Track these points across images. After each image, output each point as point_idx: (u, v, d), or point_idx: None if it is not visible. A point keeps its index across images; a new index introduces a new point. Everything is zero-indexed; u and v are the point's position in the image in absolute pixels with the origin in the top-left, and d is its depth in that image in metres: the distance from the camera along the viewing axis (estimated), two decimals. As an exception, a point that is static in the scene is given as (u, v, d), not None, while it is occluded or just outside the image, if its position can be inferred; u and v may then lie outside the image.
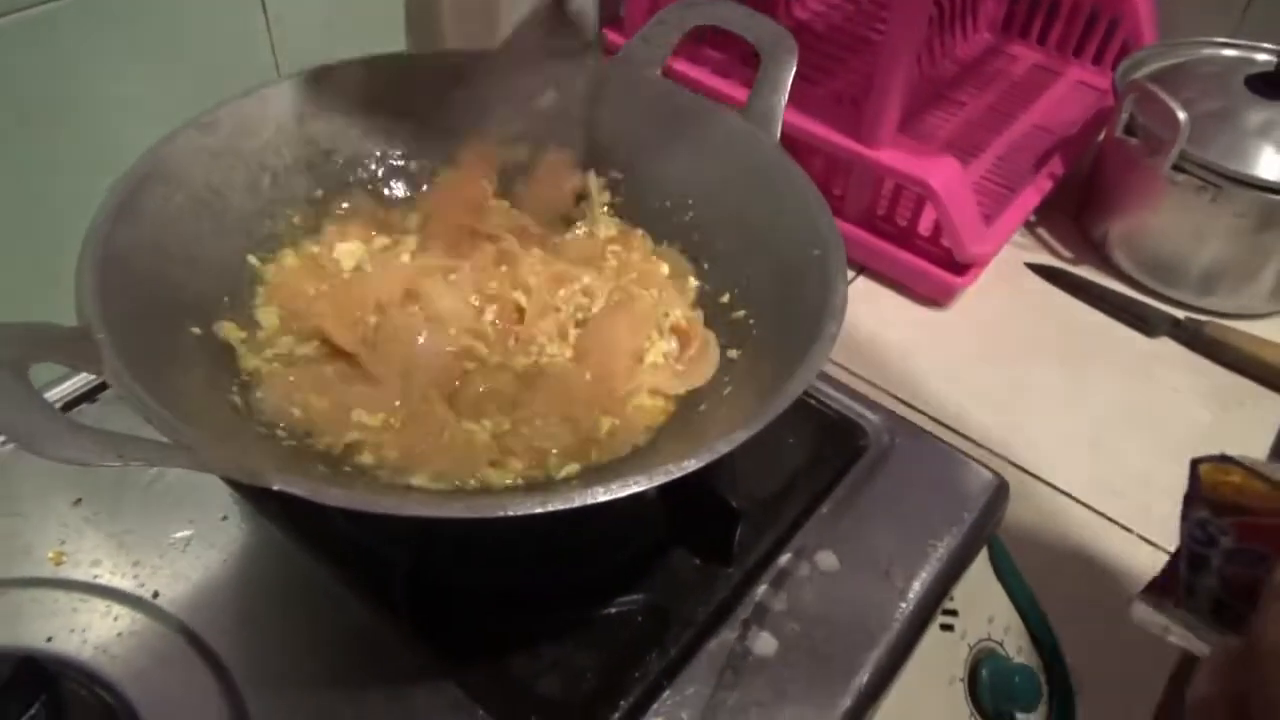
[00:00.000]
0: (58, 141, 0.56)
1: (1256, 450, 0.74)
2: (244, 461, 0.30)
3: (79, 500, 0.44)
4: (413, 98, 0.52)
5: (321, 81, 0.50)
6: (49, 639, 0.39)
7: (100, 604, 0.41)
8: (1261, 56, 0.86)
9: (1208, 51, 0.89)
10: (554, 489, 0.33)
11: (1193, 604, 0.34)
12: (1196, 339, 0.82)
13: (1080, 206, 0.94)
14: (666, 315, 0.47)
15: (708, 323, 0.47)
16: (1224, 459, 0.34)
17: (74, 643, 0.39)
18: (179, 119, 0.45)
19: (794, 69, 0.48)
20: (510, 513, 0.31)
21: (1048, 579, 0.55)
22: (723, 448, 0.33)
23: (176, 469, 0.45)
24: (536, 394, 0.43)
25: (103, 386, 0.49)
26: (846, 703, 0.40)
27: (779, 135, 0.47)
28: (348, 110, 0.51)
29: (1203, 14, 1.03)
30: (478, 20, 0.73)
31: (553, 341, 0.46)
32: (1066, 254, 0.91)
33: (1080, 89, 1.06)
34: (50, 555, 0.42)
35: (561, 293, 0.47)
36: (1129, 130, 0.83)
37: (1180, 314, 0.83)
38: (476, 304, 0.46)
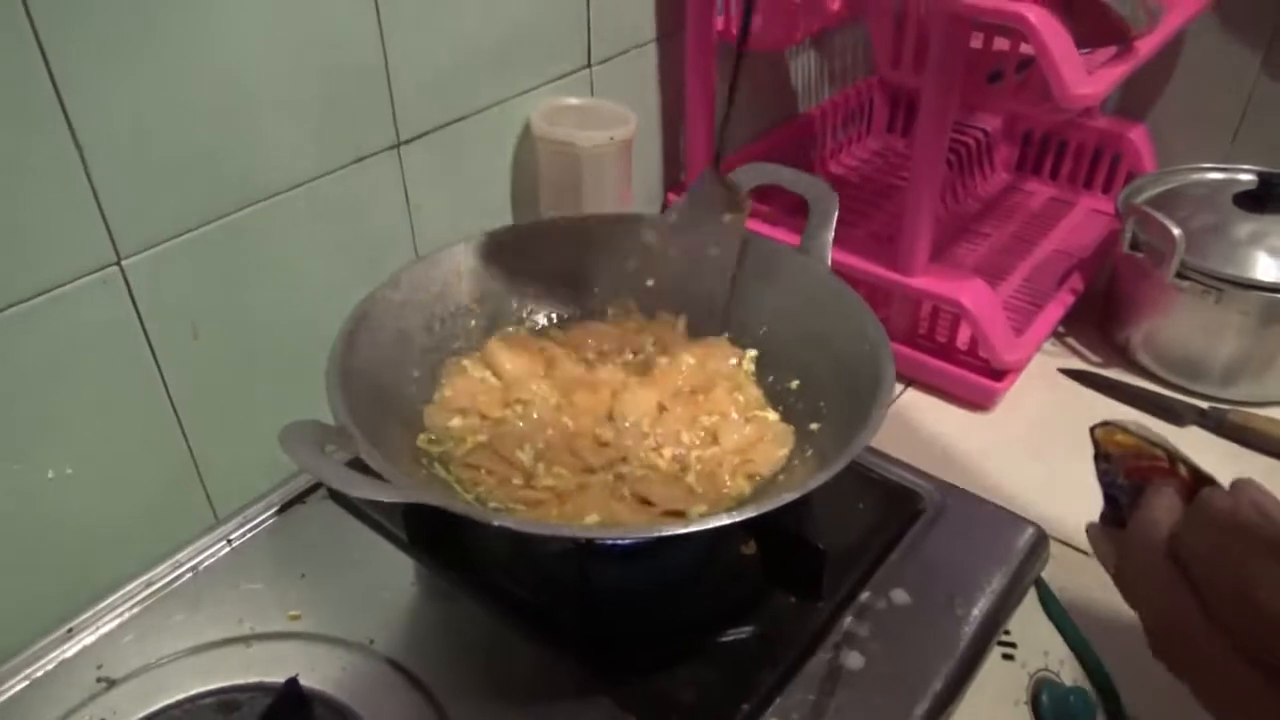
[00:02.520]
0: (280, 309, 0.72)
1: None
2: (471, 505, 0.42)
3: (304, 575, 0.57)
4: (541, 257, 0.67)
5: (476, 246, 0.65)
6: (295, 676, 0.51)
7: (330, 649, 0.52)
8: (1245, 177, 0.98)
9: (1197, 176, 1.02)
10: (690, 521, 0.45)
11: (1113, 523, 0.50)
12: (1222, 426, 0.90)
13: (1103, 316, 1.05)
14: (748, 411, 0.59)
15: (785, 409, 0.60)
16: (1108, 424, 0.50)
17: (314, 679, 0.51)
18: (360, 285, 0.61)
19: (837, 212, 0.62)
20: (662, 533, 0.42)
21: (1105, 633, 0.63)
22: (812, 484, 0.45)
23: (377, 552, 0.58)
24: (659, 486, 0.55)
25: (313, 489, 0.62)
26: (925, 705, 0.49)
27: (830, 263, 0.61)
28: (499, 266, 0.66)
29: (1197, 144, 1.17)
30: (568, 202, 0.89)
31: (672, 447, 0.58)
32: (1095, 358, 1.02)
33: (1093, 215, 1.19)
34: (289, 615, 0.54)
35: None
36: (1134, 246, 0.95)
37: (1204, 404, 0.93)
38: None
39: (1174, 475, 0.49)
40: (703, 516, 0.43)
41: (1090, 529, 0.53)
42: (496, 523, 0.42)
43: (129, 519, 0.68)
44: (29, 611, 0.55)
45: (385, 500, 0.41)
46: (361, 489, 0.40)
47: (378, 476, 0.44)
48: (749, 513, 0.44)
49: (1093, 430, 0.52)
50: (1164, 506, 0.47)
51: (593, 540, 0.46)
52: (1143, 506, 0.48)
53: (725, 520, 0.44)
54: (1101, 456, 0.52)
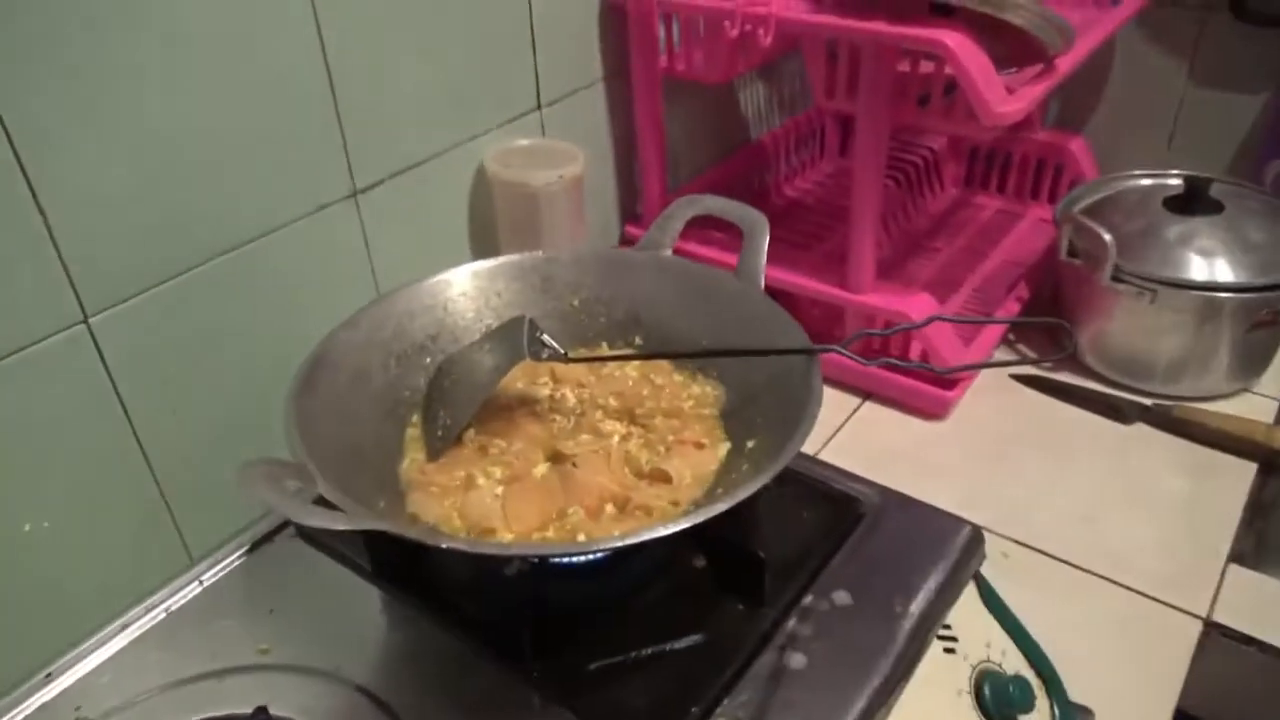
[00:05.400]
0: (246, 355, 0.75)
1: (1233, 511, 0.85)
2: (423, 529, 0.45)
3: (272, 610, 0.59)
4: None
5: (423, 288, 0.68)
6: (266, 706, 0.53)
7: (298, 678, 0.55)
8: (1173, 181, 1.02)
9: (1131, 183, 1.06)
10: (626, 534, 0.47)
11: None
12: (1167, 421, 0.93)
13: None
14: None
15: (727, 424, 0.62)
16: None
17: (283, 707, 0.53)
18: (324, 329, 0.64)
19: (767, 238, 0.65)
20: (599, 548, 0.45)
21: (1045, 623, 0.66)
22: (742, 493, 0.47)
23: (343, 583, 0.60)
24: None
25: (281, 528, 0.65)
26: (865, 699, 0.52)
27: (763, 285, 0.64)
28: (444, 306, 0.69)
29: (1135, 151, 1.22)
30: (525, 239, 0.93)
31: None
32: (1045, 364, 1.05)
33: (1039, 225, 1.23)
34: (259, 649, 0.56)
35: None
36: (1072, 253, 0.98)
37: (1149, 402, 0.96)
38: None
39: None
40: (641, 530, 0.46)
41: None
42: (445, 545, 0.45)
43: (105, 566, 0.70)
44: (9, 658, 0.57)
45: (338, 529, 0.43)
46: (314, 518, 0.43)
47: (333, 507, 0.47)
48: (684, 523, 0.46)
49: None
50: None
51: (544, 558, 0.49)
52: None
53: (662, 531, 0.46)
54: None
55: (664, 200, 1.04)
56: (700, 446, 0.60)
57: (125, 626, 0.59)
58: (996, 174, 1.29)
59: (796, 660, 0.54)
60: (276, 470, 0.47)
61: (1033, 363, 1.03)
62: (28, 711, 0.54)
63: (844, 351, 0.57)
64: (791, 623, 0.56)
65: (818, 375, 0.56)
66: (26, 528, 0.66)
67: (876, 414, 1.00)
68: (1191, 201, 0.96)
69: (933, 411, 0.98)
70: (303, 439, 0.52)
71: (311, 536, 0.64)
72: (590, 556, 0.55)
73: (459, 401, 0.61)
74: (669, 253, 0.70)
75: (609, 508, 0.56)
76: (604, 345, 0.71)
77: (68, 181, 0.60)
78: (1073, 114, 1.28)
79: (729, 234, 1.06)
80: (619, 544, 0.46)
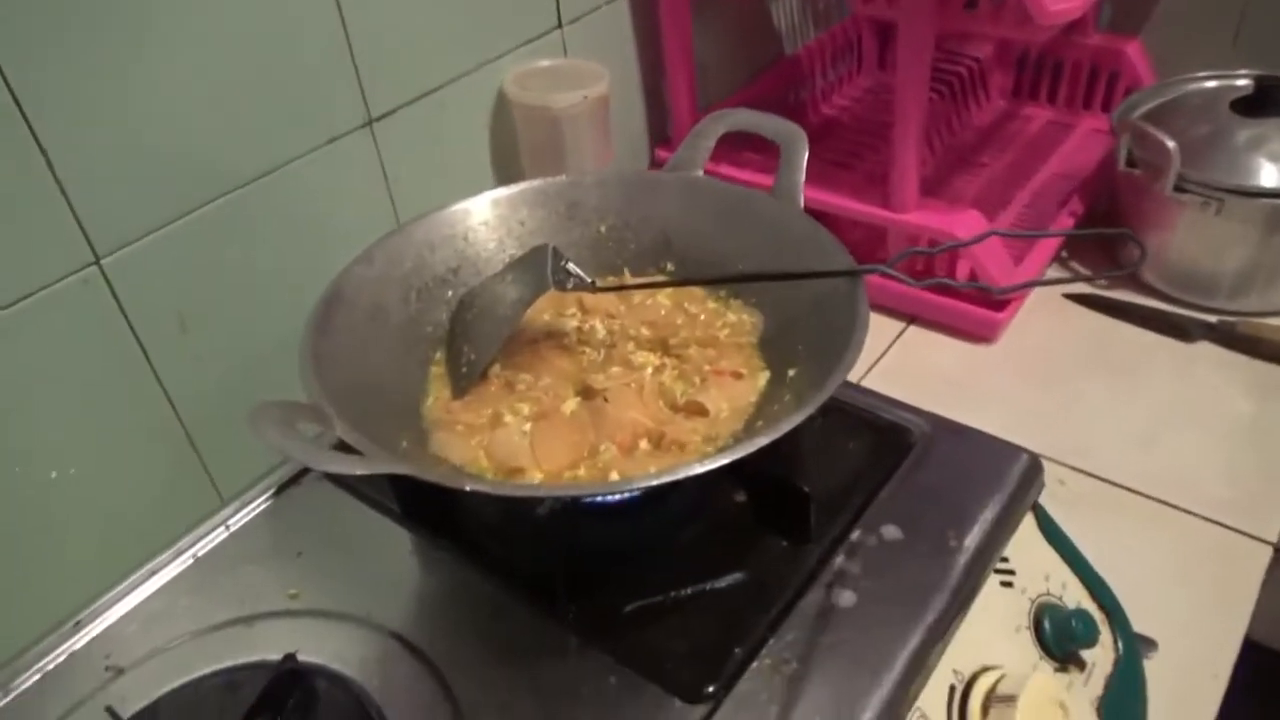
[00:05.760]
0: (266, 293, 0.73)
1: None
2: (445, 472, 0.42)
3: (300, 553, 0.58)
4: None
5: (441, 218, 0.65)
6: (296, 652, 0.51)
7: (329, 624, 0.53)
8: (1241, 82, 0.95)
9: (1194, 86, 0.99)
10: (662, 471, 0.44)
11: None
12: (1233, 338, 0.89)
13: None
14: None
15: (766, 353, 0.59)
16: None
17: (314, 653, 0.51)
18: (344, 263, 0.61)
19: (806, 154, 0.61)
20: (632, 486, 0.42)
21: (1108, 553, 0.63)
22: (785, 426, 0.44)
23: (373, 525, 0.58)
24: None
25: (307, 470, 0.63)
26: (919, 638, 0.49)
27: (802, 204, 0.60)
28: (464, 236, 0.66)
29: (1195, 54, 1.13)
30: (549, 165, 0.89)
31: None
32: (1101, 281, 1.00)
33: (1093, 136, 1.17)
34: (288, 594, 0.55)
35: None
36: (1131, 163, 0.93)
37: (1213, 319, 0.91)
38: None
39: None
40: (676, 468, 0.43)
41: None
42: (469, 487, 0.42)
43: (134, 512, 0.69)
44: (38, 607, 0.56)
45: (356, 474, 0.41)
46: (330, 463, 0.40)
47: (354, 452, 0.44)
48: (723, 459, 0.43)
49: None
50: None
51: (575, 499, 0.46)
52: None
53: (700, 468, 0.43)
54: None
55: (694, 121, 1.00)
56: (738, 376, 0.56)
57: (154, 573, 0.58)
58: (1046, 83, 1.22)
59: (845, 598, 0.51)
60: (291, 412, 0.44)
61: (1096, 279, 0.98)
62: (58, 660, 0.54)
63: (891, 272, 0.53)
64: (839, 559, 0.53)
65: (863, 298, 0.52)
66: (53, 475, 0.65)
67: (922, 338, 0.96)
68: (1261, 103, 0.89)
69: (982, 334, 0.94)
70: (319, 380, 0.50)
71: (339, 479, 0.62)
72: (624, 496, 0.52)
73: (483, 336, 0.58)
74: (700, 173, 0.66)
75: (643, 443, 0.53)
76: (627, 273, 0.67)
77: (69, 120, 0.57)
78: (1127, 16, 1.20)
79: (763, 155, 1.01)
80: (654, 482, 0.43)
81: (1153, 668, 0.60)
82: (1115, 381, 0.88)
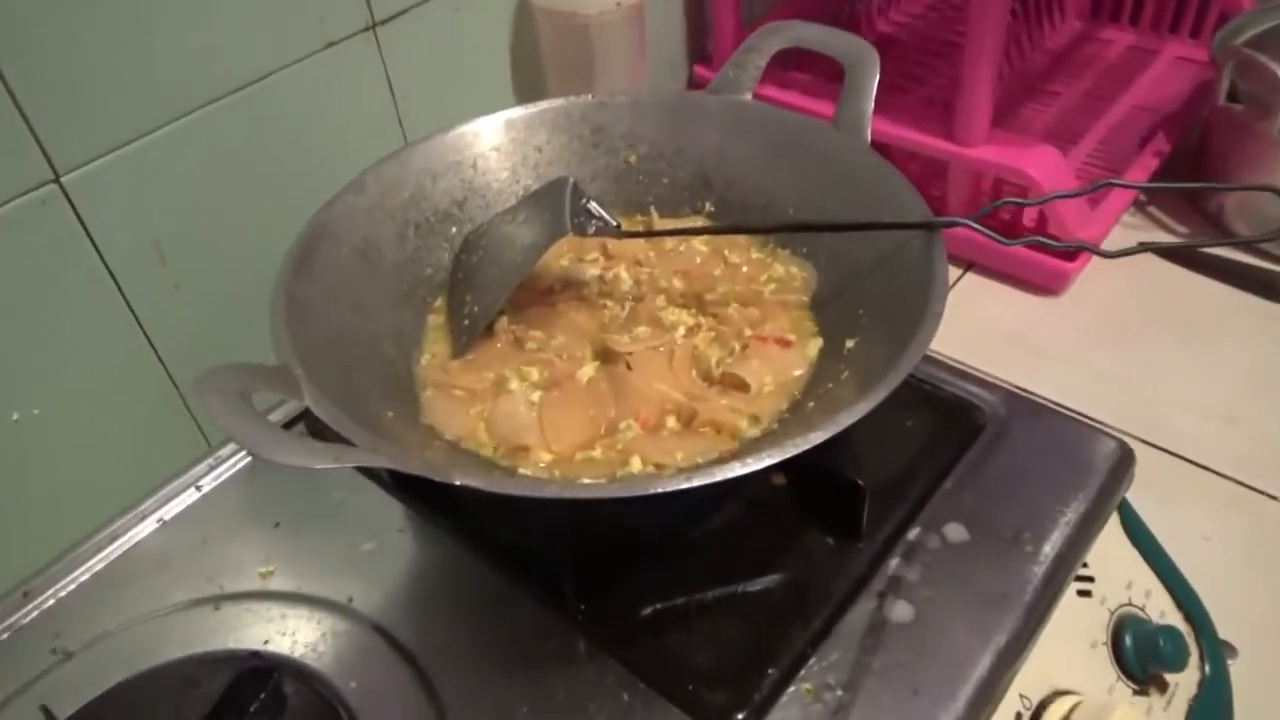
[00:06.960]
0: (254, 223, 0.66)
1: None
2: (430, 462, 0.35)
3: (278, 524, 0.51)
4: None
5: (446, 141, 0.56)
6: (265, 642, 0.45)
7: (305, 611, 0.46)
8: (1369, 8, 0.84)
9: (1309, 10, 0.88)
10: (694, 471, 0.37)
11: None
12: (1331, 300, 0.80)
13: (1194, 180, 0.93)
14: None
15: (820, 317, 0.51)
16: None
17: (286, 644, 0.45)
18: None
19: (877, 77, 0.51)
20: (658, 489, 0.35)
21: (1198, 556, 0.55)
22: (845, 420, 0.36)
23: (361, 494, 0.51)
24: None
25: (293, 422, 0.56)
26: (987, 661, 0.42)
27: (869, 139, 0.51)
28: (472, 164, 0.57)
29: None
30: (577, 81, 0.79)
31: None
32: (1182, 230, 0.91)
33: (1180, 65, 1.05)
34: (260, 571, 0.48)
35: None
36: (1233, 98, 0.82)
37: (1310, 278, 0.82)
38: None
39: None
40: (711, 467, 0.35)
41: None
42: (459, 481, 0.35)
43: (108, 459, 0.63)
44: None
45: (315, 467, 0.33)
46: (283, 453, 0.33)
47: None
48: (767, 459, 0.36)
49: None
50: None
51: (580, 499, 0.38)
52: None
53: (740, 469, 0.36)
54: None
55: (739, 36, 0.89)
56: (785, 344, 0.48)
57: (115, 538, 0.51)
58: (1129, 2, 1.10)
59: (900, 611, 0.43)
60: (250, 378, 0.37)
61: (1234, 243, 0.86)
62: (2, 637, 0.47)
63: (977, 227, 0.44)
64: (893, 563, 0.45)
65: (942, 257, 0.43)
66: (15, 416, 0.59)
67: (980, 288, 0.87)
68: (1393, 31, 0.78)
69: (1047, 286, 0.85)
70: (290, 332, 0.42)
71: (326, 437, 0.55)
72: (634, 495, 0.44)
73: (489, 284, 0.50)
74: (749, 97, 0.57)
75: (670, 421, 0.45)
76: (655, 214, 0.58)
77: (24, 25, 0.51)
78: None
79: (816, 76, 0.91)
80: (684, 485, 0.35)
81: (1232, 677, 0.53)
82: (1194, 344, 0.80)
